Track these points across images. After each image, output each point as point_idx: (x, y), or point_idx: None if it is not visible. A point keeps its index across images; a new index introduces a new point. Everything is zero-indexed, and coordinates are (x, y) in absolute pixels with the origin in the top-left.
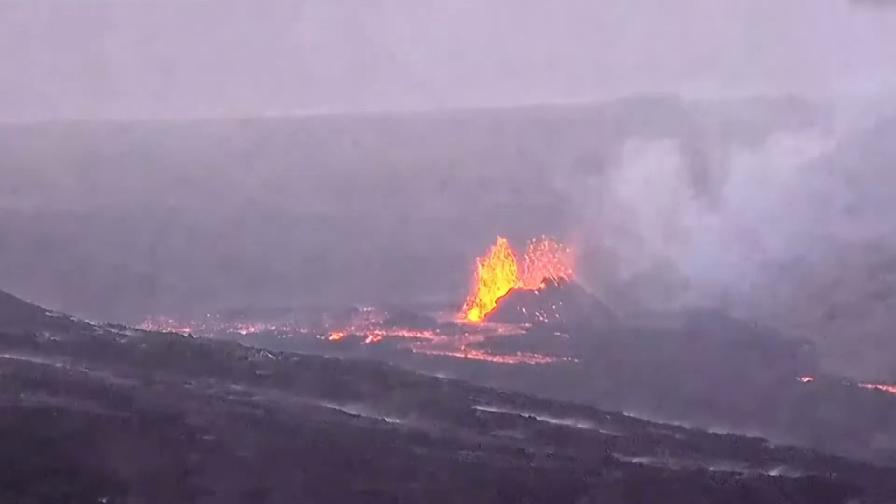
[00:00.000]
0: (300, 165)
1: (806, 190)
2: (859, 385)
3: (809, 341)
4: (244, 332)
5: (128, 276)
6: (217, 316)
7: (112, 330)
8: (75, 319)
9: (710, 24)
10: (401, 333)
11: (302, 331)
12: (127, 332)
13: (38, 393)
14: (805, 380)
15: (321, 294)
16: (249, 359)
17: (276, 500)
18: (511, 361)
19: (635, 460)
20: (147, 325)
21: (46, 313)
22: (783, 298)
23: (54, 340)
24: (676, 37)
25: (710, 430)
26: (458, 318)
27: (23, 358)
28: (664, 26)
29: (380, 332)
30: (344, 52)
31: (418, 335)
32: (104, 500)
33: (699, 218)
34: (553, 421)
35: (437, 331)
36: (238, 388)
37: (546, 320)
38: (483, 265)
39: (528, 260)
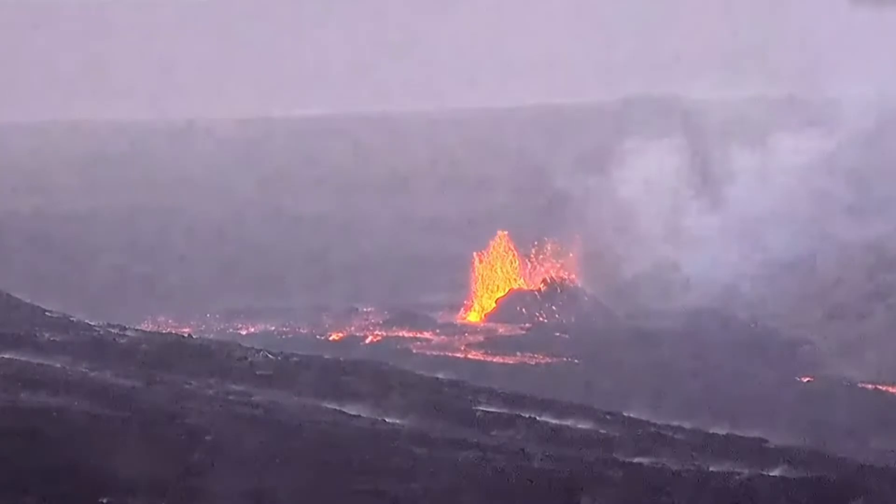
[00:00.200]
0: (300, 165)
1: (806, 190)
2: (859, 385)
3: (809, 341)
4: (244, 332)
5: (128, 276)
6: (217, 316)
7: (112, 330)
8: (75, 319)
9: (710, 24)
10: (401, 334)
11: (302, 331)
12: (127, 333)
13: (38, 393)
14: (805, 380)
15: (321, 294)
16: (249, 359)
17: (276, 500)
18: (511, 362)
19: (635, 460)
20: (147, 325)
21: (46, 313)
22: (783, 298)
23: (54, 340)
24: (676, 37)
25: (710, 430)
26: (458, 319)
27: (23, 358)
28: (664, 26)
29: (380, 333)
30: (344, 52)
31: (418, 335)
32: (104, 501)
33: (699, 218)
34: (553, 421)
35: (437, 331)
36: (238, 388)
37: (546, 320)
38: (481, 261)
39: (529, 265)
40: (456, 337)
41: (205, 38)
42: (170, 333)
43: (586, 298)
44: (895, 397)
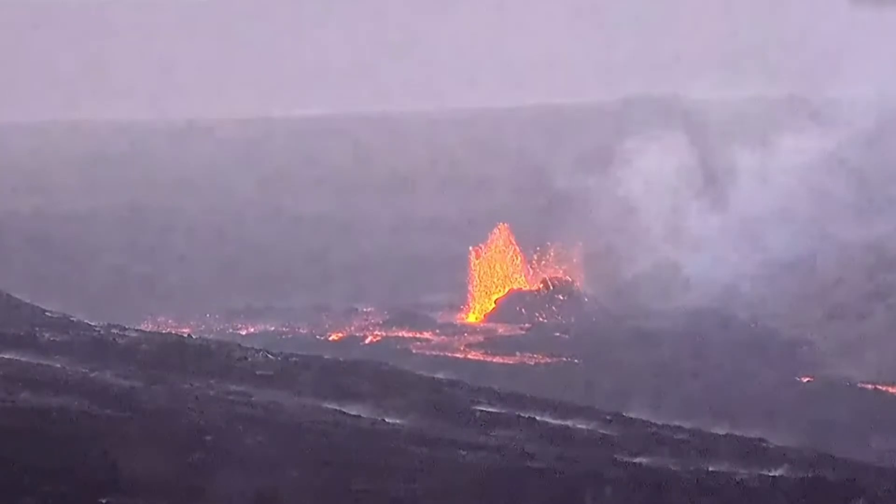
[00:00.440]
0: (300, 165)
1: (806, 190)
2: (859, 385)
3: (809, 341)
4: (244, 333)
5: (128, 276)
6: (217, 316)
7: (112, 330)
8: (75, 320)
9: (710, 24)
10: (400, 334)
11: (302, 331)
12: (127, 333)
13: (38, 393)
14: (805, 380)
15: (321, 294)
16: (249, 359)
17: (276, 500)
18: (511, 362)
19: (635, 460)
20: (147, 326)
21: (46, 313)
22: (783, 298)
23: (54, 340)
24: (676, 37)
25: (710, 430)
26: (458, 319)
27: (23, 358)
28: (664, 26)
29: (379, 333)
30: (344, 52)
31: (418, 335)
32: (104, 501)
33: (699, 218)
34: (553, 421)
35: (437, 331)
36: (238, 388)
37: (546, 320)
38: (478, 256)
39: (531, 268)
40: (456, 337)
41: (205, 38)
42: (170, 333)
43: (586, 298)
44: (895, 397)
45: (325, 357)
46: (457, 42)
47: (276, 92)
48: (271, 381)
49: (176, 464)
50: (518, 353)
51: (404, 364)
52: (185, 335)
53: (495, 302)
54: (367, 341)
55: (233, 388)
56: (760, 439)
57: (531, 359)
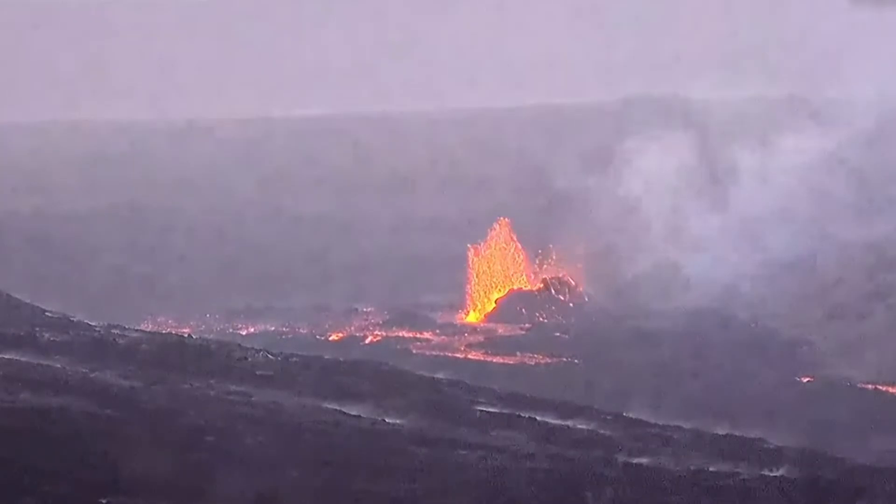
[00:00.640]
0: (300, 165)
1: (806, 190)
2: (859, 385)
3: (809, 341)
4: (244, 333)
5: (128, 276)
6: (217, 316)
7: (112, 330)
8: (75, 320)
9: (710, 24)
10: (401, 334)
11: (302, 331)
12: (127, 333)
13: (38, 393)
14: (805, 380)
15: (321, 294)
16: (249, 359)
17: (276, 500)
18: (511, 362)
19: (635, 460)
20: (147, 326)
21: (46, 313)
22: (783, 298)
23: (54, 340)
24: (676, 37)
25: (710, 431)
26: (458, 319)
27: (23, 358)
28: (664, 26)
29: (380, 333)
30: (344, 52)
31: (418, 336)
32: (104, 501)
33: (699, 218)
34: (553, 421)
35: (437, 331)
36: (238, 388)
37: (546, 320)
38: (478, 255)
39: (532, 268)
40: (456, 337)
41: (205, 38)
42: (170, 333)
43: (586, 298)
44: (895, 397)
45: (326, 357)
46: (457, 42)
47: (276, 92)
48: (271, 381)
49: (176, 464)
50: (518, 353)
51: (404, 364)
52: (185, 335)
53: (495, 302)
54: (367, 341)
55: (233, 388)
56: (760, 439)
57: (531, 359)
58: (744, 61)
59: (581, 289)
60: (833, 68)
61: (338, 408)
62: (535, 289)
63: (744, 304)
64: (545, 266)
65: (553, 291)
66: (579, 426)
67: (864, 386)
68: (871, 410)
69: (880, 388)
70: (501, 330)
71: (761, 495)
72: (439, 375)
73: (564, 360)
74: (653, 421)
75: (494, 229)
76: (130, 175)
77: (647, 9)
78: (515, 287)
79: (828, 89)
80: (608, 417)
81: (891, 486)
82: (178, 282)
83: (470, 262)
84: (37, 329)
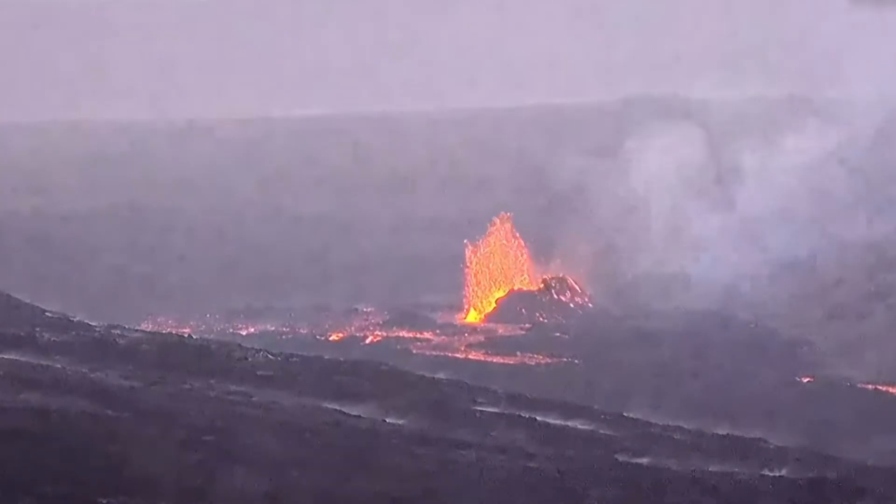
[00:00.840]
0: (300, 165)
1: (806, 190)
2: (859, 385)
3: (809, 341)
4: (244, 333)
5: (128, 276)
6: (217, 316)
7: (112, 330)
8: (75, 320)
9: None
10: (401, 334)
11: (302, 331)
12: (127, 333)
13: (38, 393)
14: (805, 380)
15: (321, 294)
16: (249, 359)
17: (275, 500)
18: (511, 362)
19: (635, 460)
20: (147, 326)
21: (46, 314)
22: (783, 298)
23: (54, 341)
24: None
25: (710, 431)
26: (459, 319)
27: (23, 358)
28: (664, 26)
29: (380, 333)
30: (344, 52)
31: (418, 336)
32: (104, 501)
33: (700, 218)
34: (553, 421)
35: (437, 331)
36: (238, 388)
37: (546, 320)
38: (476, 253)
39: (533, 265)
40: (456, 337)
41: (205, 38)
42: (170, 333)
43: (587, 298)
44: (895, 397)
45: (326, 357)
46: (457, 42)
47: (276, 92)
48: (271, 381)
49: (176, 464)
50: (518, 353)
51: (405, 364)
52: (186, 335)
53: (496, 302)
54: (367, 341)
55: (233, 388)
56: (760, 439)
57: (531, 359)
58: (744, 61)
59: (582, 289)
60: (833, 68)
61: (338, 408)
62: (535, 289)
63: (744, 304)
64: (549, 265)
65: (553, 291)
66: (579, 426)
67: (864, 386)
68: (871, 410)
69: (880, 388)
70: (502, 330)
71: (761, 495)
72: (440, 376)
73: (564, 360)
74: (653, 421)
75: (495, 224)
76: (130, 175)
77: (647, 9)
78: (516, 287)
79: (828, 89)
80: (608, 417)
81: (891, 486)
82: (178, 282)
83: (468, 260)
84: (37, 329)
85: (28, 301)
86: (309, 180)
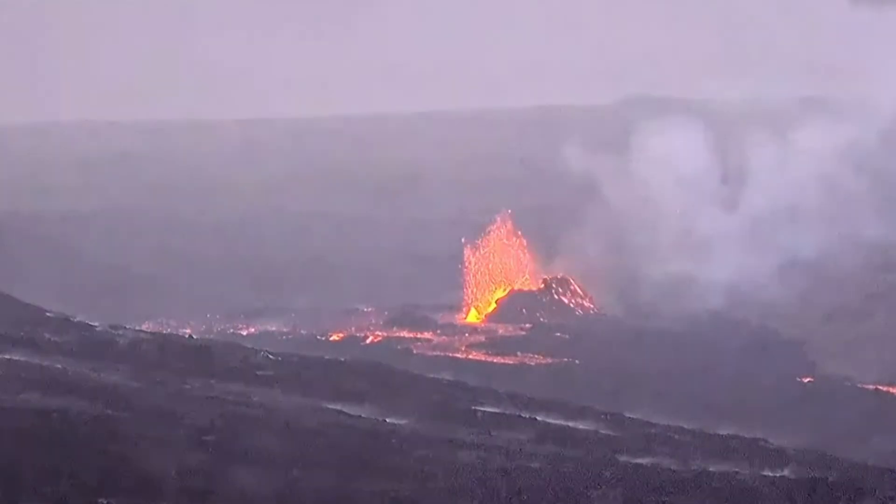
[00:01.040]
0: (300, 165)
1: (806, 190)
2: (859, 385)
3: (809, 341)
4: (244, 333)
5: (128, 277)
6: (217, 316)
7: (112, 330)
8: (76, 320)
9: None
10: (401, 334)
11: (302, 331)
12: (127, 333)
13: (38, 393)
14: (805, 380)
15: (321, 294)
16: (249, 359)
17: (276, 500)
18: (511, 362)
19: (635, 461)
20: (147, 326)
21: (46, 314)
22: (784, 298)
23: (55, 341)
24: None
25: (710, 431)
26: (459, 319)
27: (23, 358)
28: (664, 26)
29: (380, 333)
30: (343, 52)
31: (419, 336)
32: (104, 501)
33: (701, 218)
34: (553, 421)
35: (438, 331)
36: (238, 388)
37: (546, 320)
38: (476, 254)
39: (534, 264)
40: (456, 337)
41: (205, 38)
42: (170, 333)
43: (587, 299)
44: (895, 397)
45: (326, 357)
46: (456, 42)
47: (276, 92)
48: (271, 381)
49: (176, 464)
50: (519, 354)
51: (405, 364)
52: (186, 335)
53: (496, 302)
54: (367, 341)
55: (233, 388)
56: (760, 439)
57: (532, 359)
58: (745, 61)
59: (582, 289)
60: (836, 68)
61: (338, 408)
62: (535, 289)
63: (744, 304)
64: (545, 265)
65: (554, 291)
66: (579, 426)
67: (864, 386)
68: (871, 410)
69: (880, 388)
70: (502, 330)
71: (762, 495)
72: (440, 375)
73: (564, 360)
74: (653, 421)
75: (496, 222)
76: (131, 175)
77: (646, 9)
78: (517, 287)
79: (829, 89)
80: (608, 418)
81: (891, 486)
82: (179, 282)
83: (468, 259)
84: (37, 329)
85: (28, 301)
86: (309, 180)
